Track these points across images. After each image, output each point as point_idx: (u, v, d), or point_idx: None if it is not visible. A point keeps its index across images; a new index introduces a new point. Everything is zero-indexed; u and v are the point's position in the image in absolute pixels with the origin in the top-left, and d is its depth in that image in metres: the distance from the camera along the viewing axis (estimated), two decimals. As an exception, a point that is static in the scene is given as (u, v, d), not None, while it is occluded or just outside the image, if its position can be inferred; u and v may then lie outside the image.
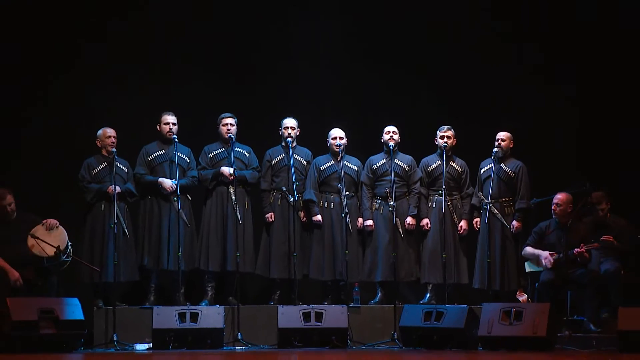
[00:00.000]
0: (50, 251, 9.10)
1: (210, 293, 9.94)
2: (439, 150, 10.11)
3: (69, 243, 9.29)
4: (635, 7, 10.93)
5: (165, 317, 9.18)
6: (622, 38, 11.06)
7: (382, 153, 10.16)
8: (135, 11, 10.94)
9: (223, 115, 10.05)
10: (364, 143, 10.51)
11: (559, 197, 9.57)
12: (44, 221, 9.18)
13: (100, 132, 9.86)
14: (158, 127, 10.04)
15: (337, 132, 10.13)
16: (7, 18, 10.77)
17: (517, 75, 11.10)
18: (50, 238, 9.12)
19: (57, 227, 9.24)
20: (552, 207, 9.54)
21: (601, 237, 9.61)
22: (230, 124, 10.00)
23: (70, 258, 9.32)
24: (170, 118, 9.98)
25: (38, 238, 9.09)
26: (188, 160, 10.05)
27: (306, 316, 9.31)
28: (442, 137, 10.08)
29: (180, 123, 10.03)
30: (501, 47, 11.17)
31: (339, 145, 9.99)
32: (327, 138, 10.18)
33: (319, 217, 10.00)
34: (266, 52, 11.14)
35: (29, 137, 10.63)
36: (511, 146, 10.12)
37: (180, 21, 11.04)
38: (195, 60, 11.08)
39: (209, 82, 11.00)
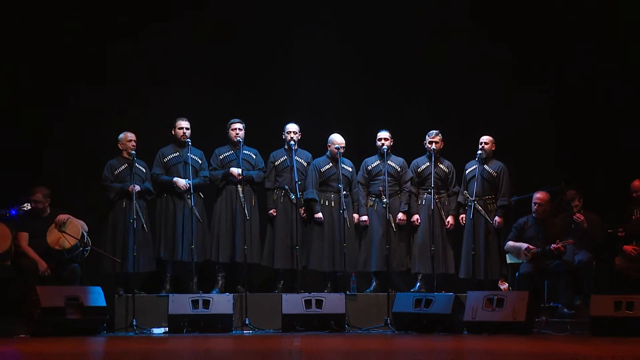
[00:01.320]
0: (70, 243, 9.17)
1: (220, 282, 9.94)
2: (427, 153, 10.12)
3: (85, 233, 9.32)
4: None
5: (180, 304, 9.19)
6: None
7: (376, 155, 10.20)
8: (154, 28, 10.92)
9: (232, 120, 10.06)
10: (360, 146, 10.49)
11: (539, 196, 9.58)
12: (55, 220, 9.23)
13: (121, 135, 9.90)
14: (173, 132, 10.03)
15: (340, 140, 10.08)
16: (36, 29, 10.77)
17: (498, 82, 11.06)
18: (66, 231, 9.19)
19: (67, 221, 9.25)
20: (535, 207, 9.54)
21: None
22: (239, 129, 10.01)
23: (89, 247, 9.36)
24: (184, 123, 9.98)
25: (64, 232, 9.18)
26: (200, 162, 10.04)
27: (307, 303, 9.31)
28: (430, 142, 10.10)
29: (192, 127, 10.02)
30: (483, 58, 11.14)
31: (337, 148, 9.99)
32: (329, 143, 10.13)
33: (320, 215, 10.01)
34: (271, 64, 11.14)
35: (58, 140, 10.63)
36: (493, 149, 10.14)
37: (194, 37, 11.03)
38: (207, 71, 11.08)
39: (219, 90, 11.00)
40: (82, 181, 10.31)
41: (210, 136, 10.46)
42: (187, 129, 9.97)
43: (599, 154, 10.74)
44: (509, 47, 11.12)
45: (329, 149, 10.16)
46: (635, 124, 10.74)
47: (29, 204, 9.42)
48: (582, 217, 9.69)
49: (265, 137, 10.47)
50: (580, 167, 10.62)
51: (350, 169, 10.18)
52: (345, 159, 10.17)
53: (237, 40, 11.13)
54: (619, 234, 9.60)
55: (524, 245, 9.52)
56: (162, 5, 11.03)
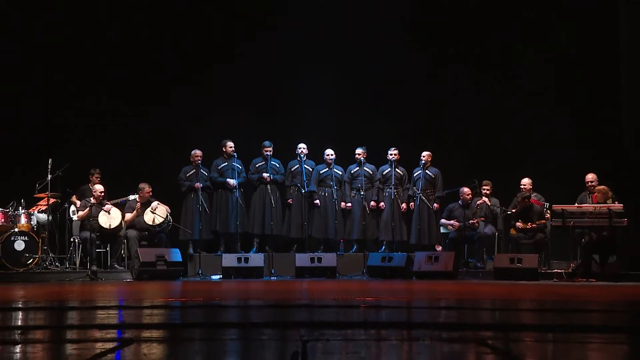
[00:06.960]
0: (159, 221, 9.32)
1: (255, 245, 9.98)
2: (389, 162, 10.10)
3: (168, 214, 9.40)
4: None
5: (229, 259, 9.28)
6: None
7: (356, 164, 10.19)
8: (207, 70, 10.72)
9: (266, 143, 10.05)
10: (346, 157, 10.37)
11: (465, 190, 9.69)
12: (151, 205, 9.37)
13: (193, 151, 9.94)
14: (223, 148, 9.97)
15: (329, 151, 10.12)
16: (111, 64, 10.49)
17: (434, 109, 10.76)
18: (157, 213, 9.35)
19: (157, 206, 9.31)
20: (467, 196, 9.64)
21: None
22: (270, 149, 10.04)
23: (171, 224, 9.47)
24: (232, 143, 9.97)
25: (155, 214, 9.39)
26: (241, 168, 9.97)
27: (312, 259, 9.43)
28: (391, 154, 10.09)
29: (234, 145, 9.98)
30: (427, 94, 10.76)
31: (331, 159, 10.13)
32: (323, 154, 10.15)
33: (317, 202, 10.03)
34: (288, 101, 10.88)
35: (151, 153, 10.49)
36: (430, 160, 10.18)
37: (234, 83, 10.68)
38: (245, 106, 10.71)
39: (251, 120, 10.63)
40: (167, 179, 10.13)
41: (244, 150, 10.20)
42: (233, 146, 10.04)
43: (486, 161, 10.68)
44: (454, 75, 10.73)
45: (324, 158, 10.21)
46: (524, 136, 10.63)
47: (131, 195, 9.58)
48: (487, 201, 9.84)
49: (284, 152, 10.34)
50: (486, 170, 10.38)
51: (340, 173, 10.20)
52: (337, 166, 10.20)
53: (262, 85, 10.91)
54: (508, 212, 9.74)
55: (450, 222, 9.77)
56: (197, 63, 10.75)
